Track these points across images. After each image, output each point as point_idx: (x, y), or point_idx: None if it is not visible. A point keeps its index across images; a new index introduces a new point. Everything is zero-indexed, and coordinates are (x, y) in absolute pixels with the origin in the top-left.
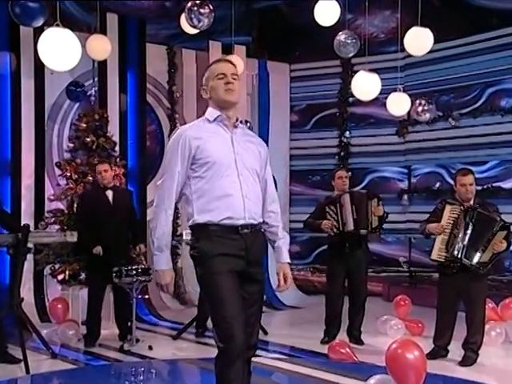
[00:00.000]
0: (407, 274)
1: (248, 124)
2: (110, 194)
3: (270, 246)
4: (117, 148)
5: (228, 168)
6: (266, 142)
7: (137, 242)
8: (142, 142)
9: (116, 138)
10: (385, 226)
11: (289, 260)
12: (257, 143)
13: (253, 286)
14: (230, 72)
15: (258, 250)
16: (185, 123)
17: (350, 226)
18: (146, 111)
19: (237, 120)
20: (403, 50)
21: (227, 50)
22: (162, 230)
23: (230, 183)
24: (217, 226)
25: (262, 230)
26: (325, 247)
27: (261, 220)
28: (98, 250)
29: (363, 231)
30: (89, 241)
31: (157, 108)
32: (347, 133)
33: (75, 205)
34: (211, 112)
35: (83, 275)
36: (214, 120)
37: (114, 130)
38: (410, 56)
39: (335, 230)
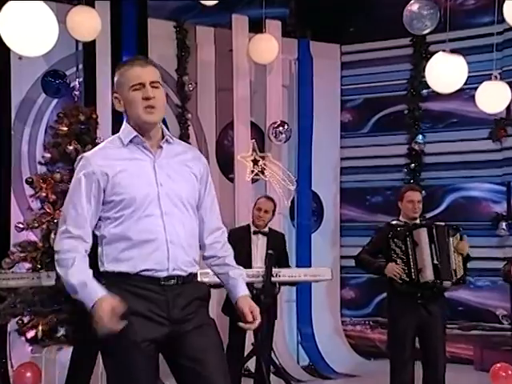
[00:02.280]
0: (509, 333)
1: (286, 127)
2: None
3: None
4: None
5: (148, 206)
6: (308, 150)
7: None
8: None
9: None
10: (475, 264)
11: (247, 292)
12: (191, 159)
13: (197, 339)
14: (149, 79)
15: (188, 305)
16: (200, 126)
17: (429, 275)
18: None
19: (163, 137)
20: (502, 20)
21: (256, 26)
22: (77, 273)
23: (150, 226)
24: (133, 277)
25: (203, 276)
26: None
27: (194, 269)
28: None
29: (447, 283)
30: None
31: None
32: (420, 137)
33: (52, 235)
34: (126, 130)
35: (63, 331)
36: (130, 142)
37: (105, 135)
38: (511, 29)
39: (405, 278)
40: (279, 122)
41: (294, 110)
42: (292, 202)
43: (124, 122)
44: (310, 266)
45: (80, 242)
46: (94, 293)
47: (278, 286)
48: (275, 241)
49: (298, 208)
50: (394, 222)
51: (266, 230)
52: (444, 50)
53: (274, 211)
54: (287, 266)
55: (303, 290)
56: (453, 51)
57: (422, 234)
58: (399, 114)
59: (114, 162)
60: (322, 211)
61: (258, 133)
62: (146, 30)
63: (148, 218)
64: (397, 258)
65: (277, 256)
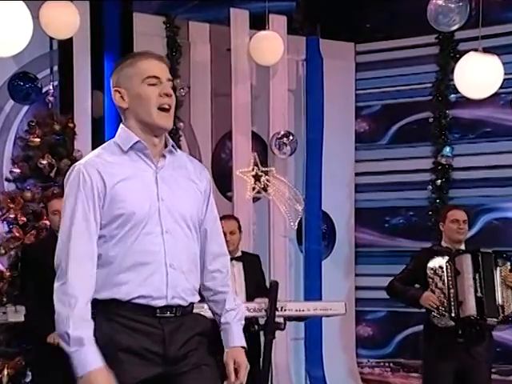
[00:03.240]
0: None
1: (291, 137)
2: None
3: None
4: None
5: (148, 223)
6: (318, 165)
7: None
8: None
9: None
10: None
11: (243, 343)
12: (195, 173)
13: (194, 383)
14: (165, 77)
15: (187, 341)
16: (193, 137)
17: (471, 310)
18: None
19: (166, 146)
20: None
21: (258, 22)
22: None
23: (148, 245)
24: (124, 305)
25: (204, 307)
26: (416, 329)
27: (194, 299)
28: (55, 336)
29: (492, 320)
30: (41, 321)
31: None
32: (447, 149)
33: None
34: (125, 134)
35: (31, 376)
36: (130, 148)
37: (84, 148)
38: None
39: (443, 311)
40: (284, 132)
41: (301, 118)
42: (299, 223)
43: (121, 126)
44: (320, 299)
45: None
46: (90, 359)
47: (283, 321)
48: (251, 265)
49: (307, 231)
50: (434, 248)
51: (239, 253)
52: (476, 49)
53: (240, 229)
54: (266, 289)
55: (313, 326)
56: (486, 50)
57: (465, 262)
58: (423, 123)
59: (112, 171)
60: (334, 235)
61: (259, 144)
62: (132, 26)
63: (147, 237)
64: (435, 288)
65: (256, 281)
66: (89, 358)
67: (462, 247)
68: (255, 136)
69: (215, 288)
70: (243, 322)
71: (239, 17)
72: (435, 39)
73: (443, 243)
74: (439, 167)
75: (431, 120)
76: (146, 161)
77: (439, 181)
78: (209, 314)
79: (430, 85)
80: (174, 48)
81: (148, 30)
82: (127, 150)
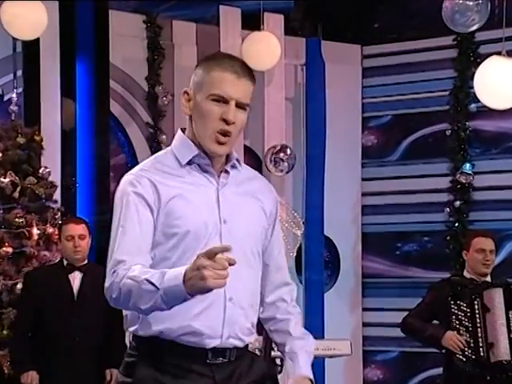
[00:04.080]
0: None
1: (289, 152)
2: (77, 278)
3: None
4: (57, 195)
5: (207, 246)
6: (320, 184)
7: (109, 365)
8: (101, 183)
9: (56, 178)
10: None
11: (311, 375)
12: (260, 190)
13: None
14: (236, 97)
15: None
16: None
17: (503, 353)
18: (108, 130)
19: (227, 160)
20: None
21: (252, 21)
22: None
23: None
24: (171, 345)
25: (263, 345)
26: (432, 372)
27: (251, 339)
28: (32, 377)
29: None
30: (20, 357)
31: (128, 124)
32: (467, 166)
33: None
34: (185, 146)
35: None
36: (189, 163)
37: (52, 164)
38: None
39: (469, 354)
40: (281, 147)
41: (300, 130)
42: (298, 251)
43: (179, 132)
44: (322, 337)
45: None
46: (177, 272)
47: (280, 362)
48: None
49: (307, 259)
50: (456, 279)
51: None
52: (499, 53)
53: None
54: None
55: (314, 368)
56: (510, 54)
57: (496, 297)
58: (440, 136)
59: (169, 183)
60: (339, 263)
61: (253, 160)
62: (107, 26)
63: None
64: (459, 326)
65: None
66: (174, 272)
67: (488, 279)
68: (248, 151)
69: (277, 316)
70: (312, 357)
71: (230, 15)
72: (453, 41)
73: (466, 273)
74: (458, 186)
75: (449, 133)
76: (207, 176)
77: (458, 202)
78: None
79: (447, 93)
80: (156, 51)
81: (126, 30)
82: (185, 164)
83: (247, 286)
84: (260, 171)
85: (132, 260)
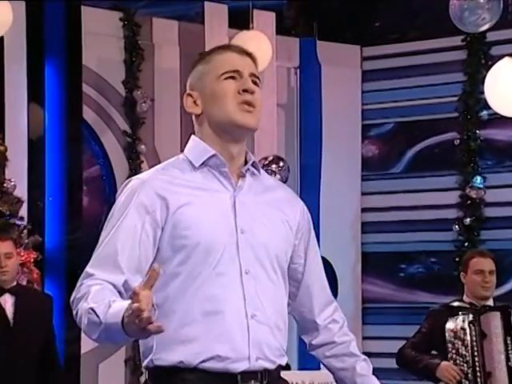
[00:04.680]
0: None
1: (282, 164)
2: (9, 301)
3: None
4: (23, 211)
5: (221, 260)
6: (315, 199)
7: None
8: (72, 198)
9: (22, 192)
10: None
11: None
12: (284, 201)
13: None
14: (248, 70)
15: None
16: (158, 163)
17: (502, 383)
18: (81, 139)
19: (246, 162)
20: None
21: (240, 19)
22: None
23: (222, 290)
24: (194, 373)
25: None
26: None
27: (283, 361)
28: None
29: None
30: None
31: (103, 132)
32: (478, 179)
33: None
34: (199, 148)
35: None
36: (203, 164)
37: (18, 177)
38: None
39: None
40: (272, 158)
41: (294, 139)
42: None
43: (192, 138)
44: (318, 368)
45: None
46: (120, 307)
47: None
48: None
49: None
50: (454, 304)
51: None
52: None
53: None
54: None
55: None
56: None
57: (494, 322)
58: (448, 146)
59: (178, 190)
60: (336, 286)
61: None
62: (80, 23)
63: (220, 279)
64: (456, 355)
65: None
66: (118, 308)
67: (490, 303)
68: None
69: (335, 340)
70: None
71: (216, 13)
72: (462, 42)
73: (465, 298)
74: (468, 202)
75: (457, 142)
76: (222, 180)
77: (468, 219)
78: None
79: (455, 98)
80: (134, 51)
81: (101, 28)
82: (199, 166)
83: (270, 304)
84: None
85: (102, 275)
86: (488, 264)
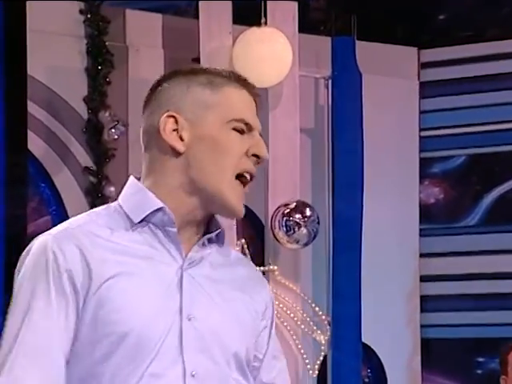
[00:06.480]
0: None
1: (308, 213)
2: None
3: None
4: None
5: (159, 356)
6: (355, 262)
7: None
8: (12, 259)
9: None
10: None
11: None
12: (249, 279)
13: None
14: (259, 126)
15: None
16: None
17: None
18: (26, 180)
19: (207, 230)
20: None
21: (248, 11)
22: None
23: None
24: None
25: None
26: None
27: None
28: None
29: None
30: None
31: (57, 170)
32: None
33: None
34: (140, 196)
35: None
36: (144, 221)
37: None
38: None
39: None
40: (295, 205)
41: (324, 179)
42: (322, 366)
43: (132, 179)
44: None
45: None
46: None
47: None
48: None
49: (336, 379)
50: None
51: None
52: None
53: None
54: None
55: None
56: None
57: None
58: None
59: (105, 255)
60: None
61: (251, 225)
62: (24, 19)
63: (156, 382)
64: None
65: None
66: None
67: None
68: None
69: None
70: None
71: (215, 4)
72: None
73: None
74: None
75: None
76: (168, 246)
77: None
78: None
79: None
80: (100, 57)
81: (54, 25)
82: (139, 222)
83: None
84: (262, 242)
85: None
86: None
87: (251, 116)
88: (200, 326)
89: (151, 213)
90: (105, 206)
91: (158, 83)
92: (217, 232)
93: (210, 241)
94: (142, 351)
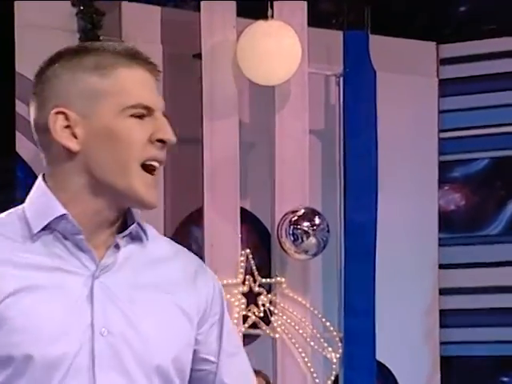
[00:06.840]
0: None
1: (318, 221)
2: None
3: None
4: None
5: (68, 380)
6: (369, 275)
7: None
8: None
9: None
10: None
11: None
12: (179, 278)
13: None
14: (160, 105)
15: None
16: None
17: None
18: (14, 184)
19: (124, 229)
20: None
21: (253, 3)
22: None
23: None
24: None
25: None
26: None
27: None
28: None
29: None
30: None
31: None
32: None
33: None
34: (43, 201)
35: None
36: (47, 228)
37: None
38: None
39: None
40: (303, 212)
41: (335, 185)
42: None
43: (39, 181)
44: None
45: None
46: None
47: None
48: None
49: None
50: None
51: None
52: None
53: None
54: None
55: None
56: None
57: None
58: None
59: (6, 270)
60: None
61: (256, 233)
62: (12, 12)
63: None
64: None
65: None
66: None
67: None
68: (247, 217)
69: None
70: None
71: None
72: None
73: None
74: None
75: None
76: (79, 254)
77: None
78: None
79: None
80: None
81: (44, 19)
82: (39, 231)
83: None
84: (268, 251)
85: None
86: None
87: (149, 97)
88: (115, 342)
89: (53, 220)
90: (11, 210)
91: (42, 70)
92: (130, 229)
93: (132, 239)
94: (51, 374)
